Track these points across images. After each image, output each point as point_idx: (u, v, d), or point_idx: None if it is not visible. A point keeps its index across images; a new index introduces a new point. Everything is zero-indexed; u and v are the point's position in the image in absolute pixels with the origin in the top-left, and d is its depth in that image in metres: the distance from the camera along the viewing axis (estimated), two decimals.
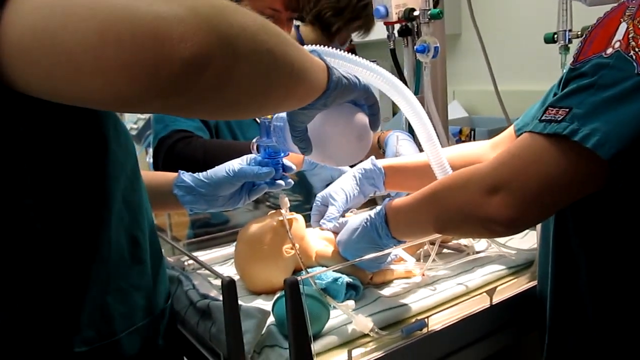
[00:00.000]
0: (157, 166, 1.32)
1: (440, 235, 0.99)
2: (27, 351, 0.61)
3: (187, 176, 0.99)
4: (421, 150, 1.01)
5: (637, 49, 0.63)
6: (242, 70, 0.51)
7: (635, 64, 0.62)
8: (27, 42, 0.46)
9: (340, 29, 1.99)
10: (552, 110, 0.67)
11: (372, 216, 0.89)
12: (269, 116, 0.93)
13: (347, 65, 0.83)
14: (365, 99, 0.80)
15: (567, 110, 0.65)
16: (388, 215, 0.87)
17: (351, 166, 1.15)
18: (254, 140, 1.10)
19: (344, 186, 1.10)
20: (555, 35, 1.26)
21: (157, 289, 0.75)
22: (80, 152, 0.62)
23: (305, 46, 0.77)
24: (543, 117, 0.67)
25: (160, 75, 0.45)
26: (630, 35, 0.63)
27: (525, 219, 0.69)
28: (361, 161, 1.04)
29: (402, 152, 1.28)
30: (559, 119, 0.65)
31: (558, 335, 0.83)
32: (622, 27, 0.64)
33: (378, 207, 0.89)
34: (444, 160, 0.97)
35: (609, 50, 0.64)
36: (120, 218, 0.68)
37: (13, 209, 0.58)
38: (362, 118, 0.82)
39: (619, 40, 0.64)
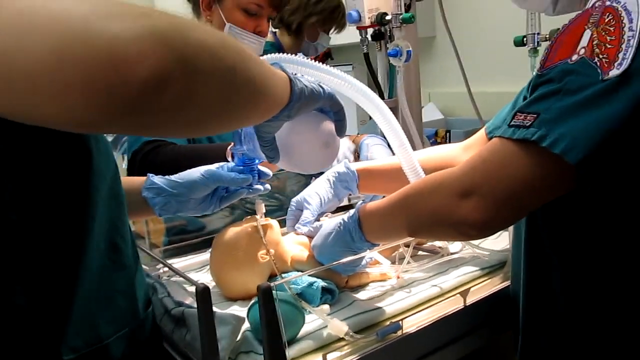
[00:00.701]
0: None
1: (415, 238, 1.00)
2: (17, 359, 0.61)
3: (156, 178, 0.98)
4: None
5: (600, 56, 0.64)
6: (202, 89, 0.51)
7: (599, 70, 0.64)
8: None
9: (301, 25, 2.21)
10: (520, 116, 0.68)
11: (346, 220, 0.89)
12: None
13: (312, 72, 0.83)
14: (330, 106, 0.81)
15: (535, 115, 0.66)
16: (361, 219, 0.88)
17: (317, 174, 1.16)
18: (229, 148, 1.10)
19: (318, 190, 1.11)
20: (525, 38, 1.29)
21: (139, 294, 0.75)
22: (62, 162, 0.62)
23: (265, 56, 0.78)
24: (512, 123, 0.68)
25: (116, 97, 0.44)
26: (595, 42, 0.65)
27: (496, 222, 0.70)
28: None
29: (374, 157, 1.29)
30: (527, 124, 0.66)
31: (531, 335, 0.85)
32: (587, 34, 0.66)
33: (351, 211, 0.90)
34: (416, 163, 0.98)
35: (575, 57, 0.66)
36: (102, 225, 0.67)
37: None
38: (328, 125, 0.83)
39: (584, 47, 0.65)
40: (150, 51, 0.45)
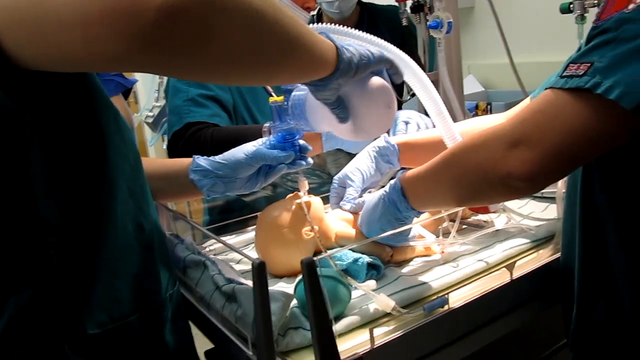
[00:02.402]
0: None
1: (460, 210, 0.99)
2: (44, 333, 0.64)
3: (202, 160, 1.00)
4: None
5: None
6: (222, 23, 0.51)
7: None
8: (12, 4, 0.48)
9: None
10: (573, 66, 0.66)
11: (388, 191, 0.89)
12: (279, 99, 0.94)
13: (355, 41, 0.83)
14: (384, 67, 0.82)
15: (589, 64, 0.64)
16: (404, 187, 0.87)
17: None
18: (267, 125, 1.10)
19: (359, 166, 1.10)
20: (571, 5, 1.24)
21: (163, 273, 0.78)
22: (83, 145, 0.65)
23: (312, 25, 0.78)
24: (564, 73, 0.67)
25: (134, 25, 0.46)
26: None
27: (546, 174, 0.68)
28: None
29: (405, 131, 1.27)
30: (580, 73, 0.64)
31: (587, 306, 0.82)
32: None
33: (392, 181, 0.89)
34: (456, 133, 0.96)
35: (631, 6, 0.64)
36: (125, 206, 0.70)
37: (24, 200, 0.61)
38: (387, 86, 0.84)
39: None
40: None
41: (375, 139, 1.12)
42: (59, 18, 0.46)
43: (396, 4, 1.49)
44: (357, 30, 0.86)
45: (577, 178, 0.81)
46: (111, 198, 0.68)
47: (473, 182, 0.76)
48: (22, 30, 0.49)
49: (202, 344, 0.89)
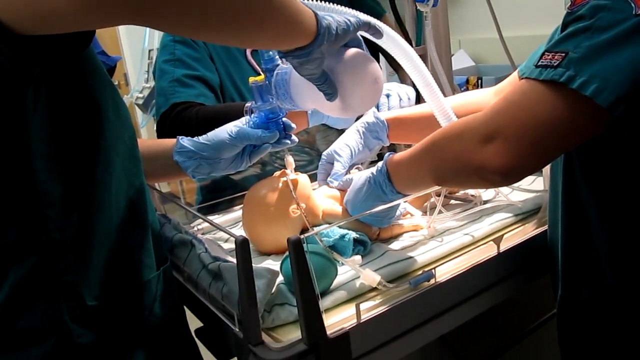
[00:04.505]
0: None
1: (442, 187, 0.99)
2: (45, 304, 0.66)
3: (186, 141, 0.99)
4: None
5: None
6: None
7: (633, 4, 0.60)
8: None
9: None
10: (548, 55, 0.65)
11: (375, 173, 0.89)
12: (259, 78, 0.93)
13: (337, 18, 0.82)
14: (362, 29, 0.82)
15: (563, 54, 0.63)
16: (390, 170, 0.87)
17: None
18: (247, 104, 1.09)
19: (348, 141, 1.10)
20: None
21: (157, 250, 0.80)
22: (82, 120, 0.67)
23: None
24: (539, 63, 0.66)
25: None
26: None
27: (520, 167, 0.67)
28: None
29: (390, 105, 1.26)
30: (555, 64, 0.64)
31: (571, 284, 0.83)
32: None
33: (380, 163, 0.89)
34: (447, 108, 0.96)
35: None
36: (119, 182, 0.72)
37: (23, 173, 0.62)
38: (372, 60, 0.84)
39: None
40: None
41: (361, 115, 1.12)
42: None
43: None
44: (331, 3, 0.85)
45: (558, 161, 0.81)
46: (107, 174, 0.70)
47: (450, 171, 0.76)
48: None
49: (191, 323, 0.90)
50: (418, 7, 1.32)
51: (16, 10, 0.51)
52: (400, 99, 1.21)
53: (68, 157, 0.66)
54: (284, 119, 0.98)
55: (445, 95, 0.97)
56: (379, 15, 1.55)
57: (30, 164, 0.63)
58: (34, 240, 0.64)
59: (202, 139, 0.99)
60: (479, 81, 2.53)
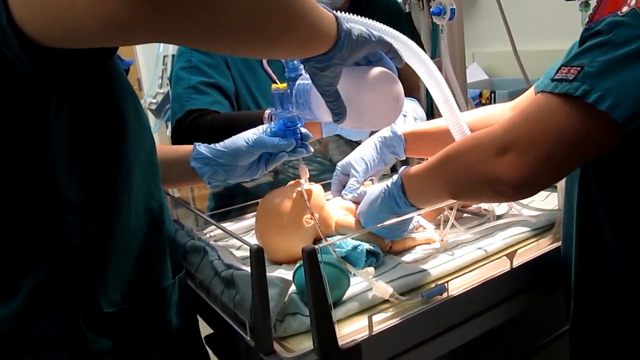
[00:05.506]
0: None
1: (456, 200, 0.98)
2: (62, 310, 0.66)
3: (203, 147, 0.99)
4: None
5: None
6: None
7: None
8: None
9: None
10: (564, 69, 0.65)
11: (390, 185, 0.89)
12: (282, 86, 0.93)
13: (357, 27, 0.82)
14: (381, 49, 0.81)
15: (579, 68, 0.64)
16: (404, 183, 0.87)
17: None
18: (268, 111, 1.09)
19: (364, 155, 1.10)
20: None
21: (172, 257, 0.80)
22: (104, 127, 0.67)
23: None
24: (555, 77, 0.66)
25: None
26: None
27: (534, 180, 0.67)
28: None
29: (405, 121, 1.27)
30: (570, 77, 0.64)
31: (584, 301, 0.82)
32: None
33: (395, 176, 0.89)
34: (462, 122, 0.96)
35: (625, 9, 0.62)
36: (138, 190, 0.72)
37: (45, 179, 0.63)
38: (395, 78, 0.83)
39: None
40: None
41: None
42: None
43: None
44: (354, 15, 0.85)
45: (574, 177, 0.81)
46: (127, 180, 0.70)
47: (465, 184, 0.76)
48: (34, 3, 0.50)
49: (201, 329, 0.90)
50: (434, 20, 1.33)
51: (43, 26, 0.51)
52: (415, 119, 1.22)
53: (89, 163, 0.66)
54: (302, 128, 0.98)
55: (460, 110, 0.97)
56: None
57: (52, 170, 0.63)
58: (53, 247, 0.64)
59: (219, 145, 0.99)
60: (492, 95, 2.52)
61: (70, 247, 0.65)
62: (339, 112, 0.81)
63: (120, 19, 0.48)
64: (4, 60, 0.53)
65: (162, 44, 3.23)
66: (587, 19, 0.68)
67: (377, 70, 0.82)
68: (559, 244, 0.94)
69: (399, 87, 0.85)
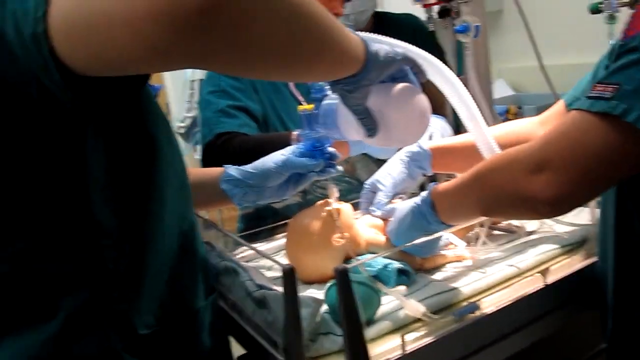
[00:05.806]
0: None
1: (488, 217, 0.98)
2: (99, 333, 0.67)
3: (233, 169, 1.01)
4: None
5: None
6: (261, 14, 0.51)
7: None
8: (67, 9, 0.50)
9: None
10: (599, 87, 0.65)
11: (419, 203, 0.89)
12: (309, 107, 0.95)
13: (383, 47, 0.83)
14: (407, 64, 0.82)
15: (616, 87, 0.63)
16: (434, 200, 0.87)
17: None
18: (296, 132, 1.11)
19: (391, 171, 1.10)
20: (601, 5, 1.22)
21: (204, 279, 0.81)
22: (138, 152, 0.69)
23: None
24: (591, 94, 0.66)
25: (178, 16, 0.47)
26: None
27: (570, 198, 0.67)
28: None
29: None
30: (607, 96, 0.63)
31: (623, 320, 0.81)
32: None
33: (424, 193, 0.89)
34: (490, 138, 0.95)
35: None
36: (171, 212, 0.73)
37: (81, 204, 0.64)
38: (420, 93, 0.84)
39: None
40: None
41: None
42: (107, 18, 0.48)
43: (411, 12, 1.49)
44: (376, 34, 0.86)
45: (610, 192, 0.80)
46: (159, 204, 0.71)
47: (498, 202, 0.76)
48: (74, 34, 0.51)
49: (234, 349, 0.91)
50: (459, 38, 1.33)
51: (83, 56, 0.52)
52: (443, 136, 1.22)
53: (123, 188, 0.67)
54: (329, 148, 0.99)
55: (486, 125, 0.97)
56: None
57: (88, 195, 0.64)
58: (89, 270, 0.65)
59: (248, 167, 1.01)
60: (519, 110, 2.50)
61: (106, 270, 0.66)
62: (371, 126, 0.82)
63: (159, 48, 0.49)
64: (45, 91, 0.55)
65: (189, 69, 3.30)
66: (620, 34, 0.68)
67: (401, 85, 0.83)
68: (592, 260, 0.92)
69: (425, 101, 0.85)
